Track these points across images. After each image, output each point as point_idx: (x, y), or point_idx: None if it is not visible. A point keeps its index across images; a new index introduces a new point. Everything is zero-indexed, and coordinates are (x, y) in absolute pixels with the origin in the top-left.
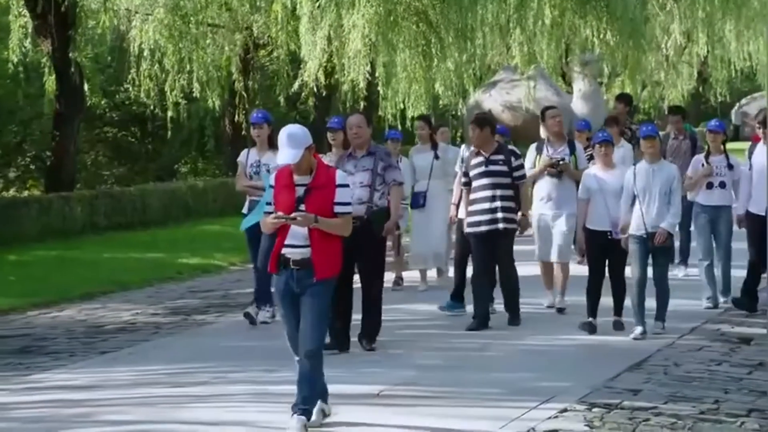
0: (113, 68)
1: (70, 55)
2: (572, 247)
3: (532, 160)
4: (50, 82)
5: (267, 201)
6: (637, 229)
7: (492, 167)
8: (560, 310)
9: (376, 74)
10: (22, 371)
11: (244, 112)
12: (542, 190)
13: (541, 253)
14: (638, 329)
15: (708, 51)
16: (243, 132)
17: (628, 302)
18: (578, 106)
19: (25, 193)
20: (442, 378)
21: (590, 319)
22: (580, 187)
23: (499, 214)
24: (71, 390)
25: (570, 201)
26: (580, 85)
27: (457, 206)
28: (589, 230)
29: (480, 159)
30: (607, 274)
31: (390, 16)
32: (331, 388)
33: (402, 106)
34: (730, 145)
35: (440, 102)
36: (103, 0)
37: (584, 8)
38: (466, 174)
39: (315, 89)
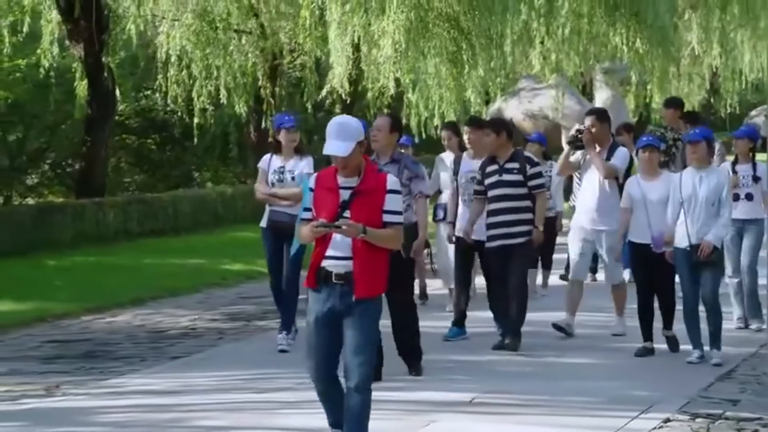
0: (135, 75)
1: (103, 59)
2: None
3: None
4: (81, 87)
5: (305, 206)
6: (680, 241)
7: (506, 176)
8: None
9: (406, 80)
10: (96, 375)
11: (270, 118)
12: (584, 199)
13: (577, 270)
14: (695, 353)
15: (722, 61)
16: (269, 139)
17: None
18: None
19: (60, 199)
20: (532, 386)
21: (646, 343)
22: (623, 195)
23: (514, 228)
24: (155, 395)
25: (613, 213)
26: (602, 94)
27: (454, 224)
28: (631, 243)
29: (494, 167)
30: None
31: (421, 22)
32: (423, 396)
33: (431, 113)
34: None
35: (471, 109)
36: (136, 5)
37: (613, 16)
38: (480, 182)
39: (342, 96)
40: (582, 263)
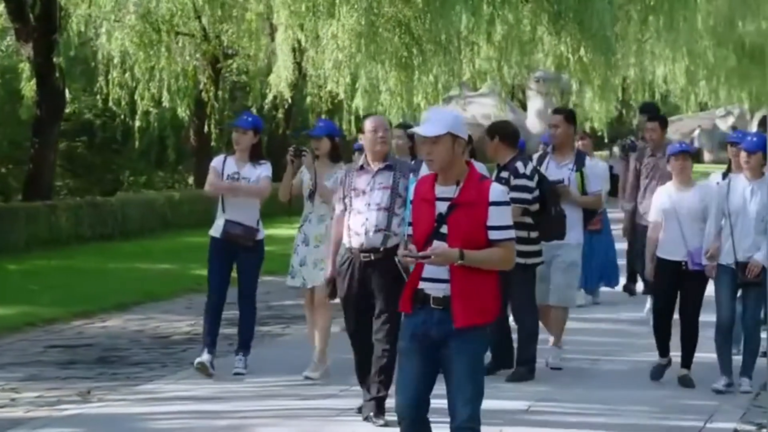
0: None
1: (54, 60)
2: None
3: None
4: (29, 87)
5: (408, 221)
6: (725, 258)
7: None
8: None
9: (357, 85)
10: (123, 381)
11: (213, 122)
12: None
13: (538, 295)
14: (723, 380)
15: (635, 73)
16: (212, 143)
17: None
18: (533, 124)
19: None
20: (578, 394)
21: (660, 360)
22: (651, 207)
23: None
24: (197, 401)
25: (574, 227)
26: (535, 102)
27: None
28: (659, 259)
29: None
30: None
31: (372, 26)
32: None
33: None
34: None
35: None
36: (87, 4)
37: (558, 24)
38: None
39: (290, 100)
40: (543, 287)
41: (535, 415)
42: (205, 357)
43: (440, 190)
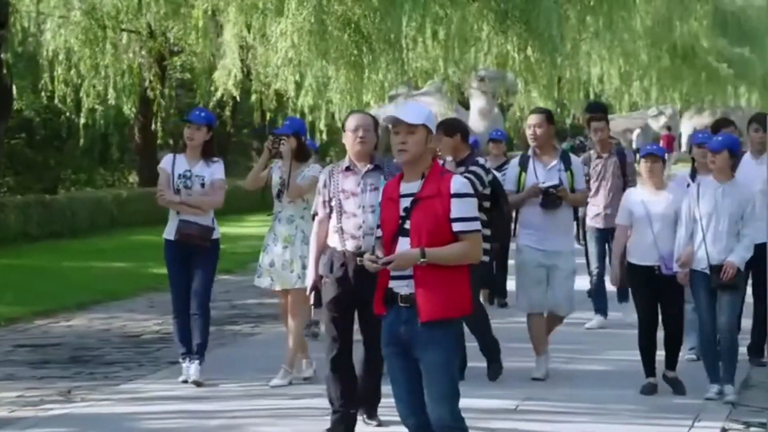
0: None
1: (2, 55)
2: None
3: (514, 179)
4: None
5: (377, 222)
6: (698, 263)
7: None
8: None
9: (305, 83)
10: (102, 381)
11: (159, 120)
12: (529, 218)
13: (530, 301)
14: (714, 388)
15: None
16: (158, 140)
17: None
18: (476, 123)
19: None
20: (567, 394)
21: (649, 379)
22: (619, 210)
23: None
24: (184, 401)
25: (569, 232)
26: (477, 101)
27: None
28: (631, 265)
29: None
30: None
31: (321, 24)
32: (469, 403)
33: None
34: None
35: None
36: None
37: (504, 23)
38: None
39: (237, 98)
40: (537, 293)
41: (523, 414)
42: (192, 371)
43: (404, 188)
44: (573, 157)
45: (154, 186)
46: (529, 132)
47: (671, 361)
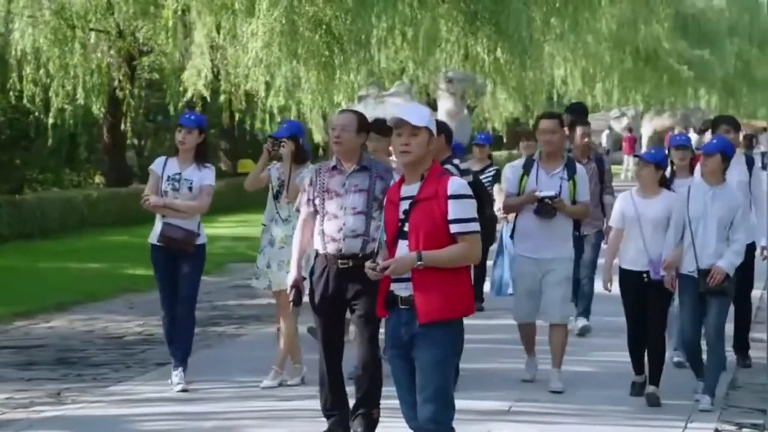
0: None
1: None
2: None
3: (516, 182)
4: None
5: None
6: (687, 266)
7: None
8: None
9: (276, 84)
10: (90, 383)
11: (129, 120)
12: (525, 224)
13: (522, 311)
14: (702, 386)
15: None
16: (128, 140)
17: None
18: None
19: None
20: (561, 395)
21: (637, 377)
22: (612, 213)
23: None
24: (175, 402)
25: (567, 239)
26: (445, 103)
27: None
28: (622, 270)
29: None
30: None
31: (293, 25)
32: (462, 404)
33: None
34: None
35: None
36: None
37: (474, 25)
38: None
39: (208, 98)
40: (530, 304)
41: (517, 415)
42: (177, 379)
43: (405, 190)
44: (579, 166)
45: (124, 186)
46: (544, 138)
47: (654, 375)
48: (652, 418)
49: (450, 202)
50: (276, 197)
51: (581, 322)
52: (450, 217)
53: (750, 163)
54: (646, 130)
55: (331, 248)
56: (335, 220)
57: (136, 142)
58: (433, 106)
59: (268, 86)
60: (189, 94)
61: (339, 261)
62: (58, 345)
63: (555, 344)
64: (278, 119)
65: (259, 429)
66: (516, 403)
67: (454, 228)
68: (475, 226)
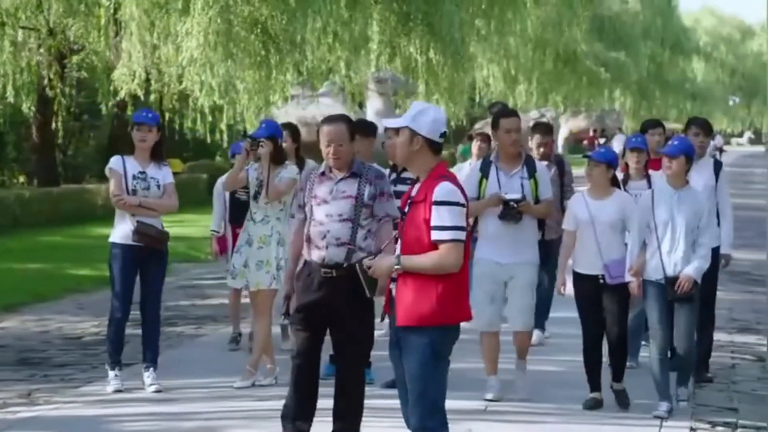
0: None
1: None
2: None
3: (474, 187)
4: None
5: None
6: (653, 273)
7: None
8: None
9: (211, 83)
10: (59, 383)
11: (60, 119)
12: (488, 228)
13: (483, 318)
14: (664, 406)
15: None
16: (59, 140)
17: None
18: None
19: None
20: (539, 394)
21: (594, 394)
22: (566, 215)
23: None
24: (151, 403)
25: (531, 245)
26: (374, 103)
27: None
28: (576, 274)
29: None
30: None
31: (228, 24)
32: None
33: (236, 119)
34: None
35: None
36: None
37: (407, 26)
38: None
39: (142, 97)
40: (492, 310)
41: (493, 414)
42: (150, 380)
43: (414, 190)
44: (538, 163)
45: (53, 186)
46: (509, 138)
47: (617, 373)
48: (629, 416)
49: (433, 207)
50: (254, 197)
51: (536, 335)
52: (431, 223)
53: (717, 167)
54: (563, 131)
55: (315, 256)
56: (320, 227)
57: (60, 141)
58: (361, 106)
59: (203, 85)
60: (122, 94)
61: (323, 270)
62: (17, 346)
63: (519, 346)
64: (210, 119)
65: (239, 429)
66: (491, 402)
67: (433, 235)
68: (455, 234)
